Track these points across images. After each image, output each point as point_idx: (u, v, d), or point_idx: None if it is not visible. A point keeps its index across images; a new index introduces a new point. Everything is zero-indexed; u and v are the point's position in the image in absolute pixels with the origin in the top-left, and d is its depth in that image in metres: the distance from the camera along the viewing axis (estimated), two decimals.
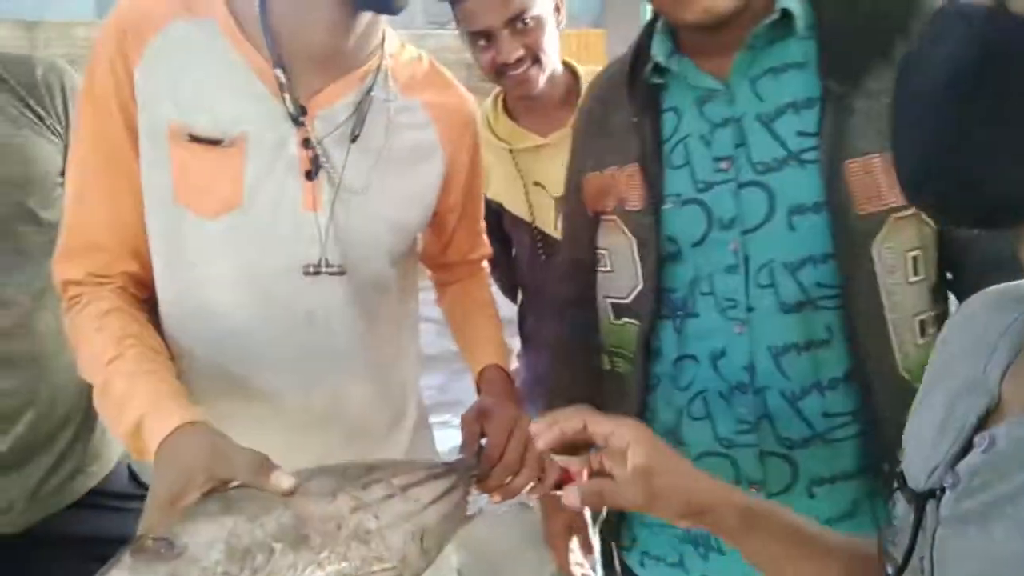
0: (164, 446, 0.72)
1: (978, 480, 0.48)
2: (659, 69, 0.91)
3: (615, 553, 1.09)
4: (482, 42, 1.37)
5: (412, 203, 0.98)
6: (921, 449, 0.56)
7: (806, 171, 0.84)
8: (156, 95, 0.84)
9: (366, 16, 0.87)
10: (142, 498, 1.37)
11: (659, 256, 0.91)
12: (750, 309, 0.87)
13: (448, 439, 1.31)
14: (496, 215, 1.48)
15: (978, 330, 0.57)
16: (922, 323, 0.85)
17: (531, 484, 0.89)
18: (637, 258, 0.93)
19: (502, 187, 1.46)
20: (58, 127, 1.17)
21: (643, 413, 0.97)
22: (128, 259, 0.88)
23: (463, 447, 0.91)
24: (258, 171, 0.86)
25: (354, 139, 0.90)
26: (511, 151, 1.46)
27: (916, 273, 0.85)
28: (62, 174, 1.11)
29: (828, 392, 0.86)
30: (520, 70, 1.37)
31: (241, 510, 0.65)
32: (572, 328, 1.10)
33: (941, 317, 0.87)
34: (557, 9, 1.43)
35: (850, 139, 0.82)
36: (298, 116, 0.86)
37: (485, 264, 1.23)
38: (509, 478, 0.88)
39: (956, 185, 0.47)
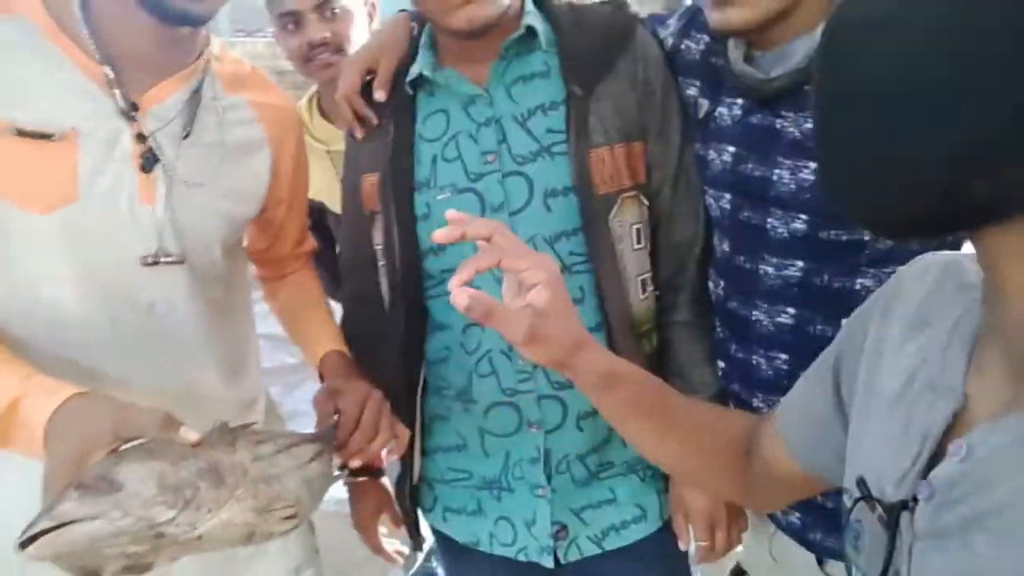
0: (57, 417, 0.74)
1: (957, 492, 0.45)
2: (418, 81, 1.06)
3: (419, 518, 1.20)
4: (290, 26, 1.44)
5: (244, 196, 1.03)
6: (880, 453, 0.53)
7: (556, 161, 1.02)
8: None
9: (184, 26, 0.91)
10: None
11: (409, 250, 1.06)
12: None
13: None
14: (319, 214, 1.52)
15: (911, 308, 0.55)
16: (643, 282, 1.06)
17: (390, 445, 0.99)
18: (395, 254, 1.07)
19: (322, 186, 1.51)
20: None
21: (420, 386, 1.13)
22: None
23: (318, 426, 0.97)
24: (93, 165, 0.87)
25: (186, 135, 0.94)
26: (328, 152, 1.53)
27: (638, 242, 1.05)
28: None
29: None
30: (325, 54, 1.43)
31: (162, 456, 0.71)
32: (364, 322, 1.19)
33: (654, 278, 1.08)
34: (370, 16, 1.51)
35: (589, 133, 1.00)
36: (130, 111, 0.89)
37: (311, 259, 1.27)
38: (367, 444, 0.95)
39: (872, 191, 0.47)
